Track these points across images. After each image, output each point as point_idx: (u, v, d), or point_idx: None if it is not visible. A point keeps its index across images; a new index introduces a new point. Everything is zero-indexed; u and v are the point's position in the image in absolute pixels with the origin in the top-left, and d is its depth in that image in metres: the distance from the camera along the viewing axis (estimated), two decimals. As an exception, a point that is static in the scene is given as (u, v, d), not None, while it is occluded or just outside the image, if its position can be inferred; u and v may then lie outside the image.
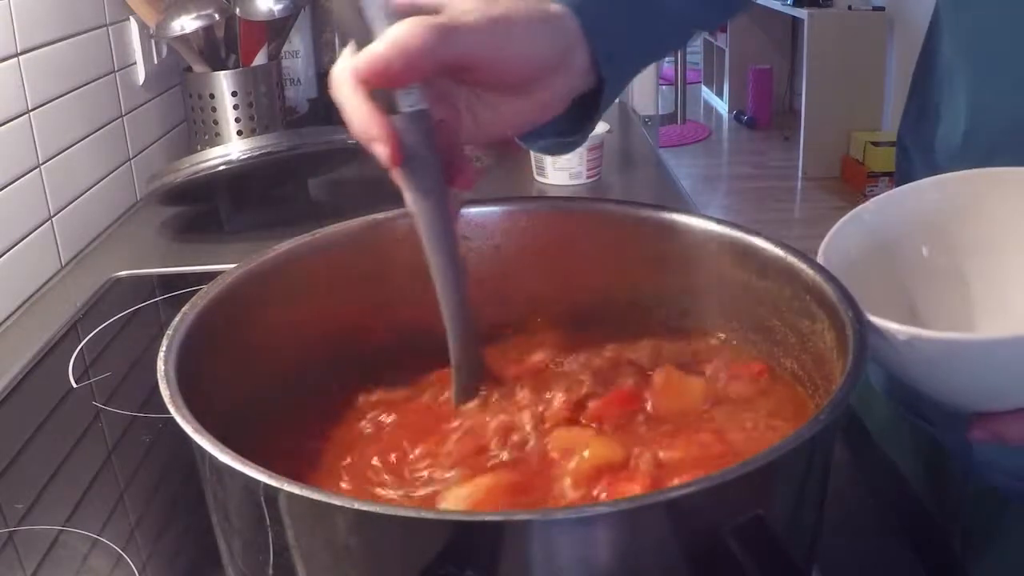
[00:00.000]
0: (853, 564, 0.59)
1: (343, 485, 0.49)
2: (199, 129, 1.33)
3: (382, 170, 0.50)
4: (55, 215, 1.10)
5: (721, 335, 0.59)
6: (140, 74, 1.34)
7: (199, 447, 0.40)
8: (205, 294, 0.52)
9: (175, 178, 1.12)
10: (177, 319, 0.50)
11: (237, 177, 1.13)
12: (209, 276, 0.54)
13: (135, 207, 1.31)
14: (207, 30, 1.29)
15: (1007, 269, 0.57)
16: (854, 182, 4.42)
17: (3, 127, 1.00)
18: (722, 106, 6.01)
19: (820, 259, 0.53)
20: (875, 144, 4.31)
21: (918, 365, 0.48)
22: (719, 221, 0.58)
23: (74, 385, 0.83)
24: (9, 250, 1.00)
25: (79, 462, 0.71)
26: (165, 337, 0.48)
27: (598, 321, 0.62)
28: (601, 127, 1.35)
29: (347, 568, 0.39)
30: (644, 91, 1.92)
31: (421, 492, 0.47)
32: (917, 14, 4.03)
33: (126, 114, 1.30)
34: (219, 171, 1.11)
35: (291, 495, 0.37)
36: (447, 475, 0.47)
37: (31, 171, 1.05)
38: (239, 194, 1.22)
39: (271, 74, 1.36)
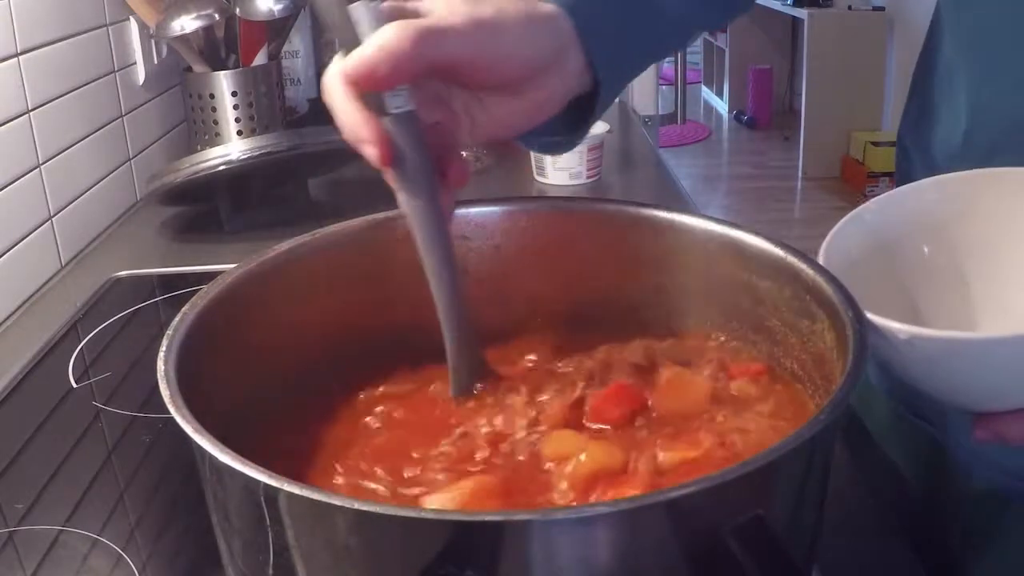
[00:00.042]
0: (853, 564, 0.59)
1: (337, 480, 0.49)
2: (199, 129, 1.33)
3: (374, 171, 0.51)
4: (55, 215, 1.10)
5: (721, 335, 0.59)
6: (140, 74, 1.34)
7: (199, 447, 0.40)
8: (205, 294, 0.52)
9: (175, 178, 1.12)
10: (177, 319, 0.50)
11: (237, 177, 1.13)
12: (209, 276, 0.54)
13: (135, 207, 1.31)
14: (207, 30, 1.29)
15: (1007, 269, 0.57)
16: (854, 182, 4.42)
17: (3, 127, 1.00)
18: (722, 106, 6.01)
19: (821, 259, 0.53)
20: (875, 144, 4.31)
21: (919, 364, 0.48)
22: (719, 221, 0.58)
23: (74, 385, 0.83)
24: (9, 250, 1.00)
25: (79, 462, 0.71)
26: (165, 337, 0.48)
27: (598, 321, 0.62)
28: (601, 127, 1.35)
29: (347, 568, 0.39)
30: (644, 91, 1.92)
31: (411, 492, 0.47)
32: (917, 14, 4.03)
33: (126, 114, 1.30)
34: (219, 171, 1.11)
35: (291, 495, 0.37)
36: (438, 476, 0.48)
37: (31, 171, 1.05)
38: (239, 194, 1.22)
39: (271, 74, 1.36)
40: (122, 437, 0.75)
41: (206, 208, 1.24)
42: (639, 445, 0.49)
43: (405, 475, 0.48)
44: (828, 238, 0.55)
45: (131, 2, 1.28)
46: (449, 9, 0.49)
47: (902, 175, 0.76)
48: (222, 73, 1.30)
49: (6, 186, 1.00)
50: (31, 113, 1.05)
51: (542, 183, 1.36)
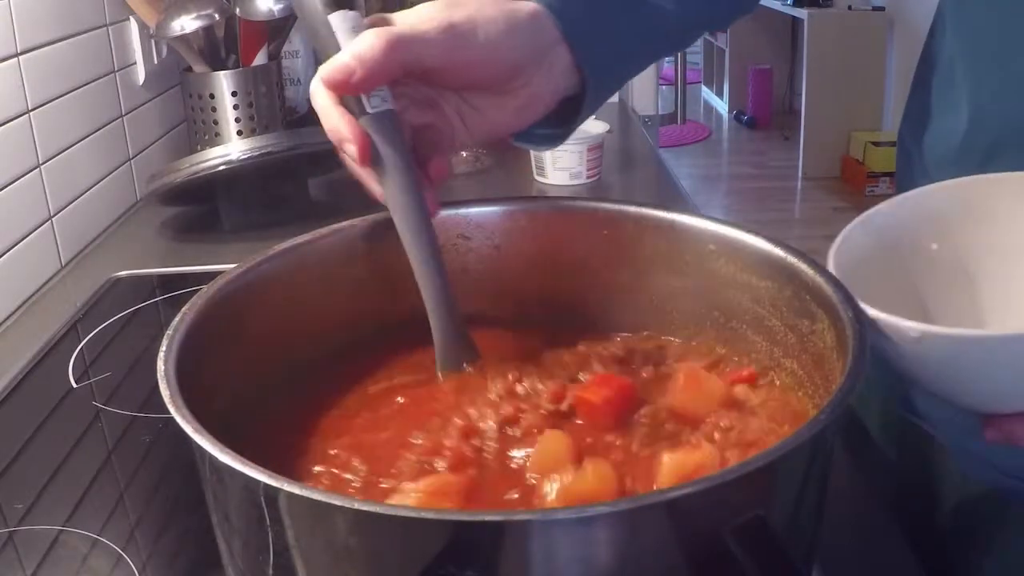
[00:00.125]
0: (853, 564, 0.59)
1: (316, 469, 0.49)
2: (199, 129, 1.33)
3: (351, 178, 0.54)
4: (55, 215, 1.10)
5: (720, 335, 0.59)
6: (140, 74, 1.34)
7: (199, 447, 0.40)
8: (205, 294, 0.52)
9: (175, 178, 1.12)
10: (177, 319, 0.50)
11: (237, 177, 1.13)
12: (209, 276, 0.55)
13: (135, 207, 1.31)
14: (207, 30, 1.29)
15: (1016, 270, 0.57)
16: (854, 182, 4.42)
17: (3, 127, 1.00)
18: (722, 106, 6.01)
19: (830, 260, 0.53)
20: (875, 144, 4.31)
21: (929, 363, 0.48)
22: (719, 221, 0.58)
23: (74, 385, 0.83)
24: (9, 250, 1.00)
25: (79, 462, 0.71)
26: (165, 337, 0.48)
27: (597, 320, 0.62)
28: (601, 127, 1.35)
29: (347, 568, 0.39)
30: (644, 91, 1.92)
31: (384, 486, 0.47)
32: (917, 14, 4.03)
33: (126, 114, 1.30)
34: (219, 171, 1.11)
35: (291, 495, 0.37)
36: (408, 471, 0.48)
37: (31, 171, 1.05)
38: (239, 194, 1.22)
39: (271, 74, 1.36)
40: (122, 437, 0.75)
41: (206, 208, 1.24)
42: (634, 461, 0.48)
43: (386, 468, 0.48)
44: (838, 239, 0.55)
45: (131, 2, 1.28)
46: (424, 15, 0.52)
47: (902, 175, 0.76)
48: (222, 73, 1.30)
49: (6, 186, 1.00)
50: (31, 113, 1.05)
51: (542, 183, 1.36)
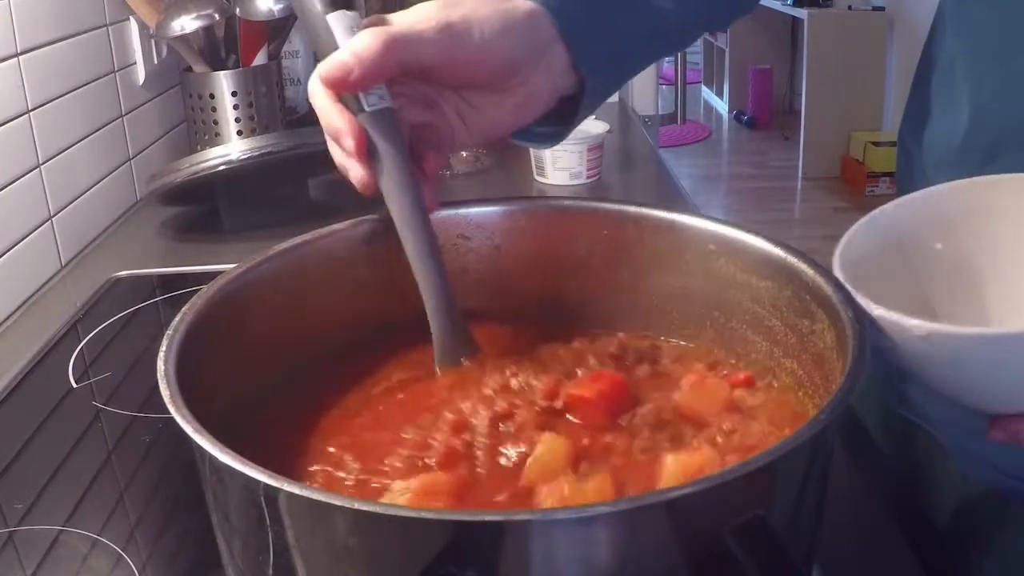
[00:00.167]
0: (853, 564, 0.59)
1: (313, 468, 0.49)
2: (199, 129, 1.33)
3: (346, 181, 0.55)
4: (55, 215, 1.10)
5: (720, 335, 0.59)
6: (140, 74, 1.34)
7: (199, 447, 0.40)
8: (205, 294, 0.52)
9: (175, 178, 1.12)
10: (177, 319, 0.50)
11: (237, 177, 1.13)
12: (209, 276, 0.55)
13: (135, 207, 1.31)
14: (207, 30, 1.29)
15: (1022, 273, 0.57)
16: (854, 182, 4.42)
17: (3, 127, 1.00)
18: (722, 106, 6.01)
19: (836, 259, 0.53)
20: (875, 144, 4.31)
21: (934, 361, 0.48)
22: (719, 221, 0.58)
23: (74, 385, 0.83)
24: (9, 250, 1.00)
25: (79, 462, 0.71)
26: (165, 337, 0.48)
27: (597, 319, 0.62)
28: (601, 127, 1.35)
29: (347, 568, 0.39)
30: (644, 91, 1.92)
31: (375, 485, 0.47)
32: (917, 14, 4.03)
33: (126, 114, 1.30)
34: (219, 171, 1.11)
35: (291, 495, 0.37)
36: (398, 467, 0.48)
37: (31, 171, 1.05)
38: (239, 194, 1.22)
39: (271, 74, 1.36)
40: (122, 437, 0.75)
41: (206, 208, 1.24)
42: (634, 465, 0.48)
43: (378, 467, 0.48)
44: (844, 239, 0.55)
45: (131, 2, 1.28)
46: (421, 15, 0.52)
47: (903, 175, 0.76)
48: (222, 73, 1.30)
49: (6, 186, 1.00)
50: (31, 113, 1.05)
51: (542, 183, 1.36)
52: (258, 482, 0.38)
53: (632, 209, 0.61)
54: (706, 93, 6.38)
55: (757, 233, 0.56)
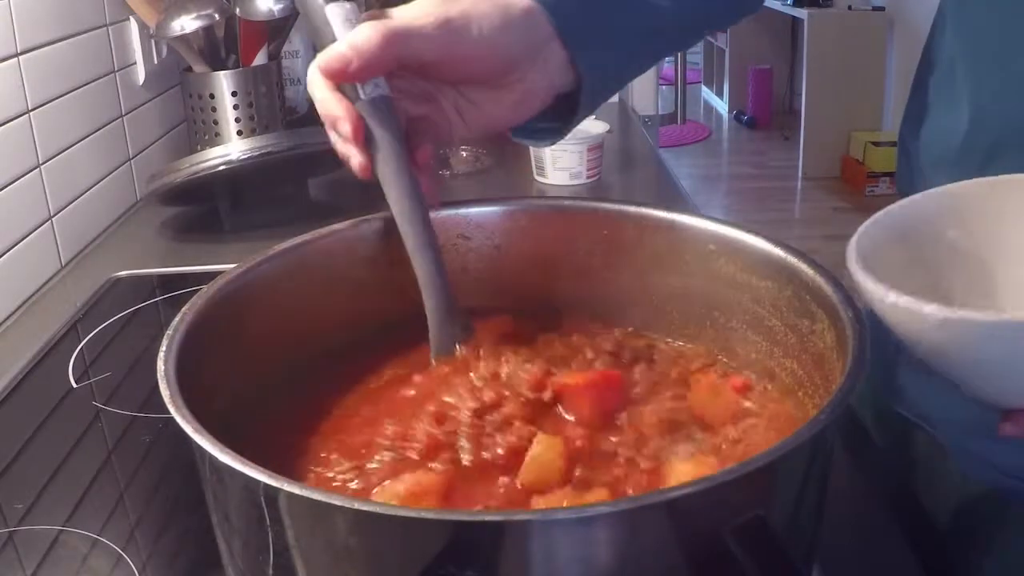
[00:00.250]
0: (853, 564, 0.59)
1: (312, 469, 0.49)
2: (199, 129, 1.33)
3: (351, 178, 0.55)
4: (55, 215, 1.10)
5: (720, 335, 0.59)
6: (140, 74, 1.34)
7: (199, 447, 0.40)
8: (205, 294, 0.52)
9: (175, 178, 1.12)
10: (177, 319, 0.50)
11: (237, 177, 1.13)
12: (209, 276, 0.55)
13: (135, 207, 1.31)
14: (207, 30, 1.29)
15: None
16: (854, 182, 4.42)
17: (3, 127, 1.00)
18: (722, 106, 6.01)
19: (851, 248, 0.52)
20: (875, 144, 4.31)
21: (950, 350, 0.47)
22: (719, 221, 0.58)
23: (74, 385, 0.83)
24: (9, 250, 1.00)
25: (79, 462, 0.71)
26: (165, 337, 0.48)
27: (596, 319, 0.62)
28: (601, 127, 1.35)
29: (347, 568, 0.39)
30: (644, 91, 1.92)
31: (357, 485, 0.47)
32: (917, 14, 4.03)
33: (126, 114, 1.30)
34: (219, 171, 1.10)
35: (291, 495, 0.37)
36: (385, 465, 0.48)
37: (31, 171, 1.05)
38: (239, 194, 1.22)
39: (271, 74, 1.36)
40: (122, 437, 0.75)
41: (206, 208, 1.24)
42: (637, 474, 0.48)
43: (364, 464, 0.49)
44: (859, 230, 0.54)
45: (131, 2, 1.28)
46: (420, 11, 0.53)
47: (903, 175, 0.76)
48: (222, 73, 1.30)
49: (6, 186, 1.00)
50: (31, 113, 1.05)
51: (542, 183, 1.36)
52: (258, 482, 0.38)
53: (632, 209, 0.61)
54: (706, 93, 6.37)
55: (757, 233, 0.56)
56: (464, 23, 0.53)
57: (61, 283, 1.08)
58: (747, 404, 0.54)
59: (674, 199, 1.30)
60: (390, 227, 0.59)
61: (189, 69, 1.33)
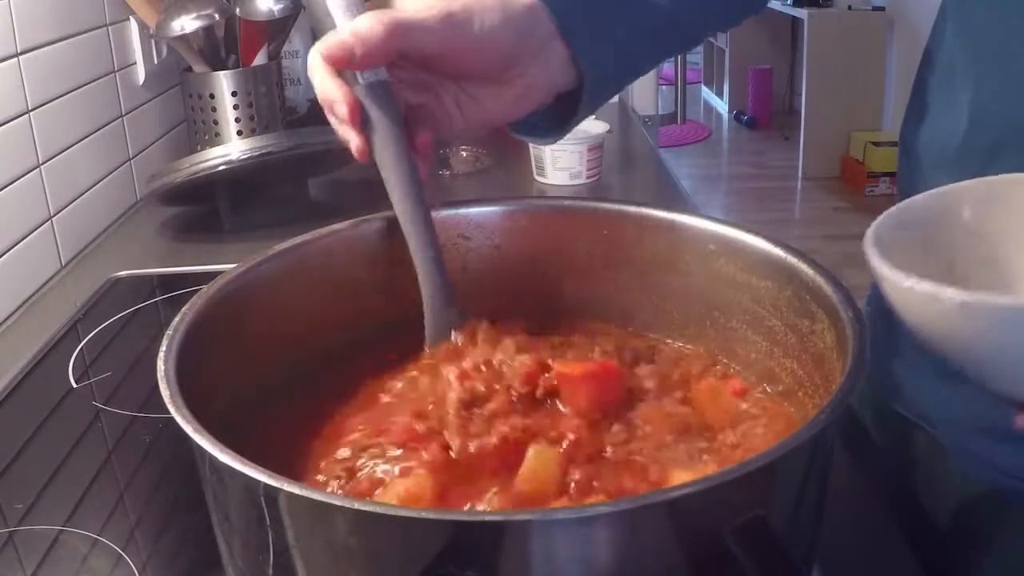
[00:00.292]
0: (853, 564, 0.59)
1: (319, 478, 0.49)
2: (199, 129, 1.33)
3: (369, 167, 0.55)
4: (55, 215, 1.10)
5: (720, 335, 0.59)
6: (140, 74, 1.34)
7: (199, 447, 0.40)
8: (205, 294, 0.52)
9: (175, 178, 1.12)
10: (177, 319, 0.50)
11: (237, 177, 1.13)
12: (209, 276, 0.55)
13: (135, 207, 1.31)
14: (207, 30, 1.29)
15: None
16: (854, 182, 4.42)
17: (3, 127, 1.00)
18: (722, 106, 6.01)
19: (869, 236, 0.51)
20: (875, 144, 4.31)
21: (968, 337, 0.46)
22: (719, 221, 0.58)
23: (74, 385, 0.83)
24: (9, 250, 1.00)
25: (79, 462, 0.71)
26: (165, 337, 0.48)
27: (596, 319, 0.62)
28: (601, 127, 1.35)
29: (347, 568, 0.39)
30: (644, 91, 1.92)
31: (364, 482, 0.47)
32: (917, 14, 4.03)
33: (126, 114, 1.30)
34: (219, 171, 1.11)
35: (291, 495, 0.37)
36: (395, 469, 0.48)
37: (31, 171, 1.05)
38: (239, 194, 1.22)
39: (271, 74, 1.36)
40: (122, 437, 0.75)
41: (206, 208, 1.24)
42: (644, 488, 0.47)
43: (365, 465, 0.49)
44: (875, 223, 0.53)
45: (131, 2, 1.28)
46: (424, 3, 0.53)
47: (904, 175, 0.76)
48: (222, 73, 1.30)
49: (6, 186, 1.00)
50: (31, 113, 1.05)
51: (542, 183, 1.36)
52: (258, 482, 0.38)
53: (632, 209, 0.61)
54: (706, 93, 6.37)
55: (757, 233, 0.56)
56: (466, 18, 0.53)
57: (61, 283, 1.08)
58: (746, 407, 0.54)
59: (674, 199, 1.30)
60: (390, 227, 0.59)
61: (189, 69, 1.33)
